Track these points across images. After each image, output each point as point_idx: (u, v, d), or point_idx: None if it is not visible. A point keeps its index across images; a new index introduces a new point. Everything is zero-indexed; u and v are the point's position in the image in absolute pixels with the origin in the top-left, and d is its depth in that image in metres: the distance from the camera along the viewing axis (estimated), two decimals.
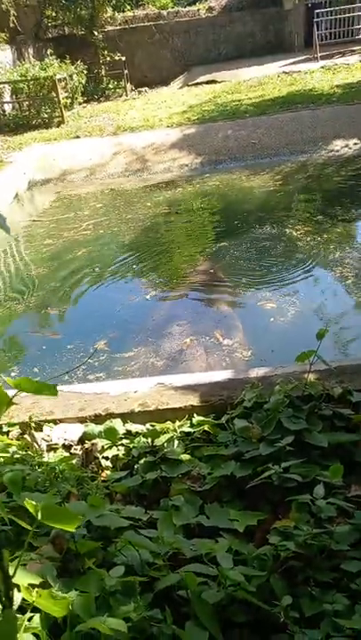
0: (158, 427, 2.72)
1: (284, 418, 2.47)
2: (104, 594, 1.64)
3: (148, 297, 6.40)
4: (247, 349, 4.88)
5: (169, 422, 2.79)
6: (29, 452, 2.63)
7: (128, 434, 2.75)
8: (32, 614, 1.52)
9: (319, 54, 18.11)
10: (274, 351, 4.77)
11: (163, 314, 5.87)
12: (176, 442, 2.58)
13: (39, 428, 2.85)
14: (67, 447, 2.73)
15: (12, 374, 4.97)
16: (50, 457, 2.63)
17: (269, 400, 2.60)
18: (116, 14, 22.11)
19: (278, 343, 4.92)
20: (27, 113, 16.34)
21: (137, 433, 2.74)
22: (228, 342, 4.99)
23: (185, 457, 2.48)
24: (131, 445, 2.64)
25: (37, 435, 2.78)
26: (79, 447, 2.73)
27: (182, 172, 11.81)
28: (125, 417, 2.86)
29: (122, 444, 2.68)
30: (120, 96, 20.07)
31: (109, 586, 1.66)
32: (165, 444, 2.55)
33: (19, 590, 1.51)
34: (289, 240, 7.40)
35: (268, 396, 2.64)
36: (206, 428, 2.65)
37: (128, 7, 23.00)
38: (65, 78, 17.12)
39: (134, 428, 2.79)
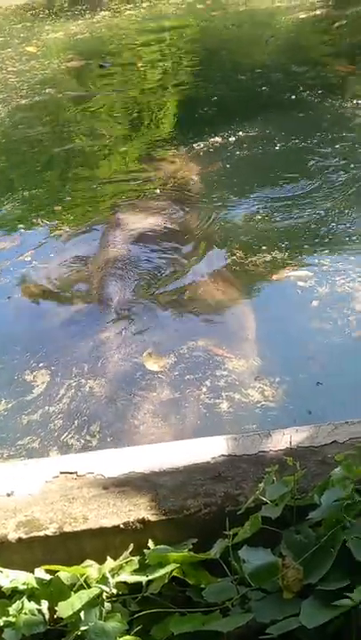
0: (65, 574, 1.38)
1: (354, 540, 1.27)
2: None
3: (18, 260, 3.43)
4: (270, 383, 2.48)
5: (90, 562, 1.42)
6: None
7: None
8: None
9: None
10: (321, 384, 2.48)
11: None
12: (107, 606, 1.34)
13: None
14: None
15: None
16: None
17: (321, 500, 1.33)
18: None
19: (334, 366, 2.57)
20: None
21: (15, 591, 1.39)
22: (236, 364, 2.59)
23: None
24: (1, 620, 1.34)
25: None
26: None
27: None
28: None
29: None
30: None
31: None
32: (83, 615, 1.32)
33: None
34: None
35: (319, 492, 1.35)
36: (177, 573, 1.36)
37: None
38: None
39: (8, 579, 1.41)
